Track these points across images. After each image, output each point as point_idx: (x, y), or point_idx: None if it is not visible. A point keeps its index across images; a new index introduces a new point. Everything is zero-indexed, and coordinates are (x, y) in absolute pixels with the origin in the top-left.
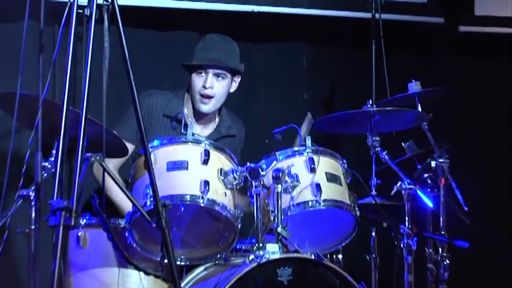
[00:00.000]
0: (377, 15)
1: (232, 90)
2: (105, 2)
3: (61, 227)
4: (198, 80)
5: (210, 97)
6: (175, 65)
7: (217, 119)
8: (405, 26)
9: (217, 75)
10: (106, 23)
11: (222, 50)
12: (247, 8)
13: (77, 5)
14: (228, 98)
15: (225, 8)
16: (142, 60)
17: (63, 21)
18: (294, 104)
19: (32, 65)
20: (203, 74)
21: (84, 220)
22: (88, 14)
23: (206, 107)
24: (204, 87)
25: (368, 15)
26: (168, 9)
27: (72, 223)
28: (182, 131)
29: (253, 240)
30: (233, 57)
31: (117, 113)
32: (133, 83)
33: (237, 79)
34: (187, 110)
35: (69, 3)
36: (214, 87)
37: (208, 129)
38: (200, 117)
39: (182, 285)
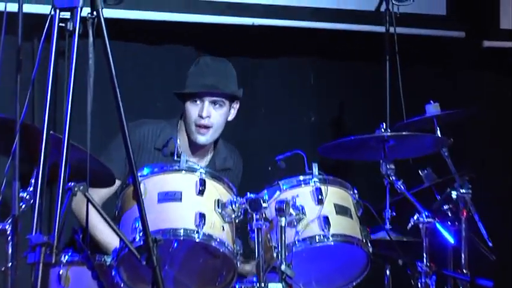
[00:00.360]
0: (391, 29)
1: (230, 118)
2: (89, 15)
3: (41, 265)
4: (193, 109)
5: (207, 127)
6: (169, 82)
7: (211, 151)
8: (422, 41)
9: (214, 102)
10: (91, 38)
11: (218, 74)
12: (246, 21)
13: (59, 18)
14: (226, 122)
15: (222, 21)
16: (132, 77)
17: (43, 35)
18: (299, 127)
19: (8, 84)
20: (198, 102)
21: (66, 257)
22: (71, 28)
23: (203, 138)
24: (201, 116)
25: (381, 28)
26: (161, 22)
27: (53, 260)
28: (175, 158)
29: (254, 280)
30: (230, 81)
31: (102, 138)
32: (120, 104)
33: (236, 105)
34: (180, 141)
35: (49, 16)
36: (212, 116)
37: (202, 163)
38: (196, 149)
39: None
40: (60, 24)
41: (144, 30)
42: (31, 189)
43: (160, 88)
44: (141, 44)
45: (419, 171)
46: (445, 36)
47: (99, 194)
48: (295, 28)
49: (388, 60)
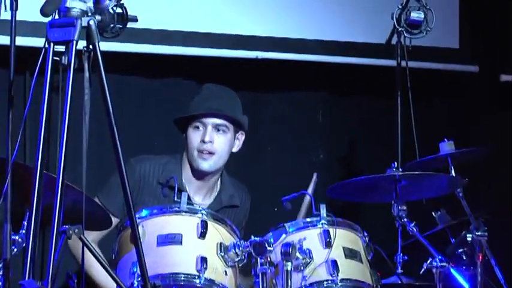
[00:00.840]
0: (403, 63)
1: (235, 149)
2: (85, 49)
3: None
4: (195, 136)
5: (210, 153)
6: (169, 117)
7: (218, 187)
8: (435, 75)
9: (217, 128)
10: (87, 73)
11: (221, 99)
12: (250, 55)
13: (53, 52)
14: (229, 159)
15: (225, 54)
16: (128, 113)
17: (36, 70)
18: (307, 166)
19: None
20: (201, 128)
21: None
22: (66, 62)
23: (206, 164)
24: (203, 141)
25: (393, 62)
26: (160, 55)
27: None
28: (175, 198)
29: None
30: (235, 107)
31: (99, 178)
32: (117, 141)
33: (241, 137)
34: (184, 176)
35: (43, 50)
36: (215, 141)
37: (208, 199)
38: (202, 180)
39: None
40: (54, 58)
41: (142, 64)
42: (23, 232)
43: (158, 125)
44: (139, 77)
45: (433, 213)
46: (458, 70)
47: (93, 235)
48: (303, 62)
49: (400, 96)
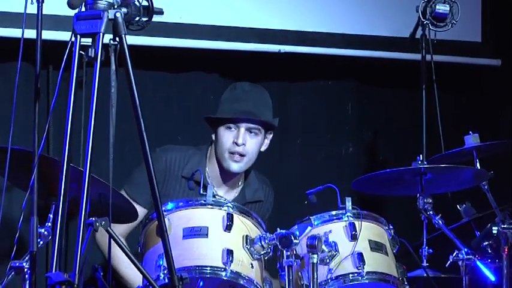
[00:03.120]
0: (428, 56)
1: (263, 148)
2: (111, 42)
3: None
4: (227, 136)
5: (242, 155)
6: (193, 112)
7: (242, 182)
8: (458, 69)
9: (249, 130)
10: (113, 66)
11: (255, 101)
12: (273, 48)
13: (79, 45)
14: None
15: (247, 48)
16: (151, 107)
17: (62, 63)
18: (336, 159)
19: (23, 114)
20: (233, 129)
21: None
22: (92, 55)
23: (236, 166)
24: (236, 143)
25: (417, 56)
26: (184, 49)
27: None
28: (201, 191)
29: None
30: (268, 110)
31: (125, 171)
32: (144, 133)
33: (269, 136)
34: (210, 170)
35: (70, 43)
36: (247, 144)
37: (232, 194)
38: (227, 177)
39: None
40: (80, 52)
41: (166, 58)
42: (49, 224)
43: (182, 119)
44: (162, 72)
45: (458, 206)
46: (480, 64)
47: (121, 229)
48: (328, 55)
49: (425, 89)
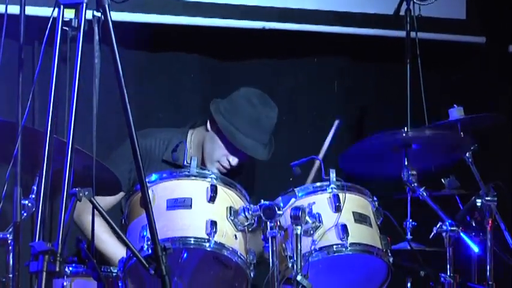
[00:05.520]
0: (412, 33)
1: None
2: (95, 13)
3: (44, 274)
4: (222, 148)
5: (227, 169)
6: (173, 90)
7: None
8: (443, 45)
9: None
10: (97, 37)
11: (265, 134)
12: (256, 25)
13: (63, 17)
14: None
15: (230, 25)
16: (132, 86)
17: (45, 36)
18: (322, 135)
19: (6, 86)
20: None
21: (71, 268)
22: (76, 25)
23: (222, 172)
24: (228, 161)
25: (402, 33)
26: (163, 25)
27: (57, 269)
28: (185, 163)
29: None
30: (270, 141)
31: (108, 143)
32: (128, 106)
33: None
34: (189, 152)
35: (51, 19)
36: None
37: None
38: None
39: None
40: (63, 27)
41: (147, 36)
42: (33, 196)
43: (164, 97)
44: (143, 51)
45: (442, 180)
46: (465, 41)
47: (104, 203)
48: (313, 32)
49: (409, 63)
